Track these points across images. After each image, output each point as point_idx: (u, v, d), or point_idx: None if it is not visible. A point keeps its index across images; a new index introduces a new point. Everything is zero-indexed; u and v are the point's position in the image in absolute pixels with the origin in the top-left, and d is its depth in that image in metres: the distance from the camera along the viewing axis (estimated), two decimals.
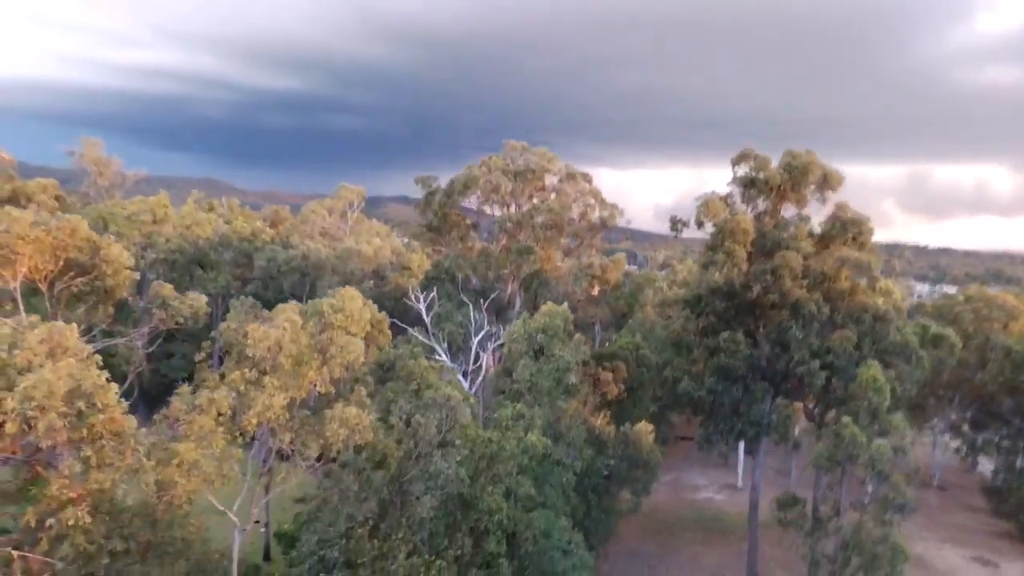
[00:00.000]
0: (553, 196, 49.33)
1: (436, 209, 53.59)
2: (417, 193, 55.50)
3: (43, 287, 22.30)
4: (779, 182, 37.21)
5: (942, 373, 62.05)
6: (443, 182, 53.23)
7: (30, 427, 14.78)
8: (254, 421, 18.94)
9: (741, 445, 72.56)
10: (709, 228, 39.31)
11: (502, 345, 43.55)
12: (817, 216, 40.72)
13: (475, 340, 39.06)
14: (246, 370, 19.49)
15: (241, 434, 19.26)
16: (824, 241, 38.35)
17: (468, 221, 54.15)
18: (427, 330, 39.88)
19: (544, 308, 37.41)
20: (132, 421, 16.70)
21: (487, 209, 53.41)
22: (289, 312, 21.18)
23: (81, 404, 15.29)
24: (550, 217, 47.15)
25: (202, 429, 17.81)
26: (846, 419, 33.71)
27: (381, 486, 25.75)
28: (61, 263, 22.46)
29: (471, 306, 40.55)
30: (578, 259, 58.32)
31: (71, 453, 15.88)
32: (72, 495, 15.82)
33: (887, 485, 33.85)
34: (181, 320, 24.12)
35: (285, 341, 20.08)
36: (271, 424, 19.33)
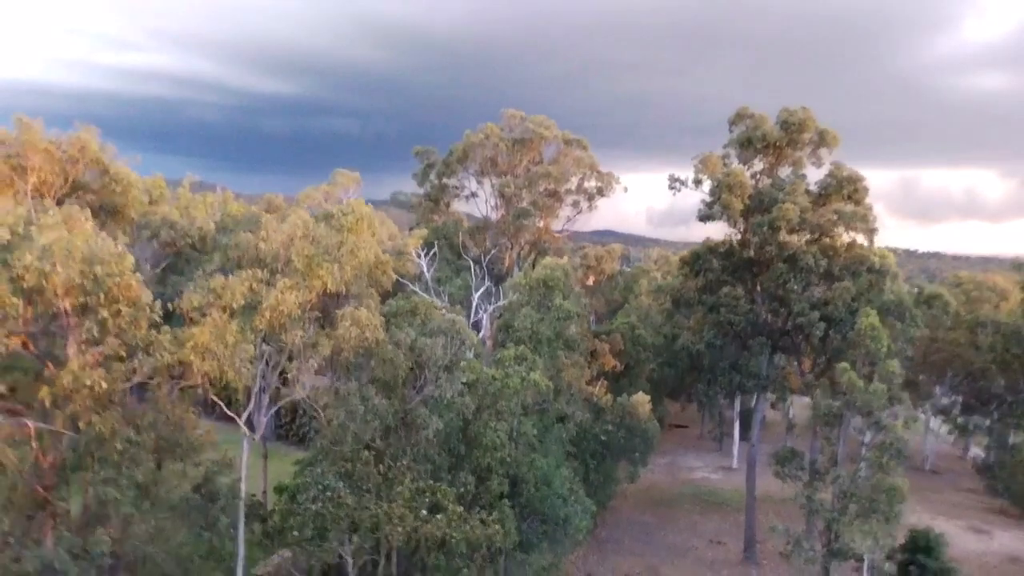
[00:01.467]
0: (551, 167, 49.82)
1: (433, 180, 54.00)
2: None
3: (51, 204, 22.41)
4: (775, 138, 37.79)
5: (935, 345, 62.85)
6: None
7: (47, 281, 14.85)
8: (267, 315, 19.09)
9: (736, 429, 72.94)
10: (706, 187, 39.88)
11: (500, 307, 43.77)
12: (814, 179, 41.40)
13: (476, 295, 39.31)
14: (258, 270, 19.67)
15: (253, 333, 19.38)
16: (821, 199, 38.88)
17: (466, 193, 54.54)
18: (427, 287, 40.09)
19: (544, 261, 37.73)
20: (148, 294, 16.84)
21: (485, 181, 53.77)
22: (301, 213, 21.42)
23: (98, 268, 15.43)
24: (549, 182, 47.58)
25: (215, 323, 17.96)
26: (843, 365, 34.08)
27: (386, 413, 25.85)
28: (70, 181, 22.59)
29: (471, 264, 40.77)
30: (573, 235, 58.65)
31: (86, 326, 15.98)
32: (89, 359, 15.92)
33: (883, 431, 34.15)
34: (189, 240, 24.24)
35: (297, 236, 20.27)
36: (283, 321, 19.48)
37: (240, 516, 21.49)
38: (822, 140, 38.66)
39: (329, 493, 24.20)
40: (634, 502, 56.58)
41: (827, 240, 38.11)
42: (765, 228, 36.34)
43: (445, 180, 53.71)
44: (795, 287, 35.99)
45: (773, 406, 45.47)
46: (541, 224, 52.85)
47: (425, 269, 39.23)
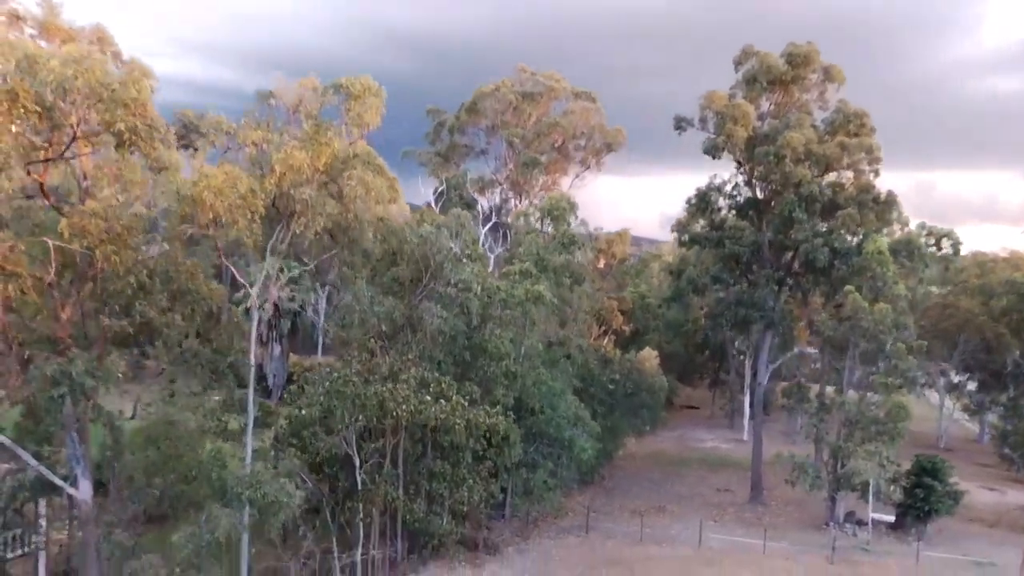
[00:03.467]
0: (561, 119, 50.49)
1: (444, 138, 54.83)
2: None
3: None
4: (781, 72, 38.15)
5: (947, 311, 62.52)
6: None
7: (70, 88, 15.55)
8: (277, 171, 19.74)
9: (746, 406, 72.60)
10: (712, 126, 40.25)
11: (506, 247, 44.23)
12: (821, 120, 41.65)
13: (483, 231, 39.88)
14: (267, 131, 20.38)
15: (264, 193, 19.99)
16: (827, 134, 39.16)
17: (476, 149, 55.24)
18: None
19: (550, 195, 38.24)
20: (163, 120, 17.58)
21: (494, 141, 54.45)
22: (310, 79, 22.17)
23: (116, 84, 16.16)
24: (558, 133, 48.26)
25: (228, 172, 18.62)
26: (849, 287, 34.25)
27: (393, 308, 26.39)
28: None
29: (478, 204, 41.28)
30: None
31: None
32: (105, 171, 16.64)
33: (890, 355, 34.21)
34: (203, 134, 24.95)
35: (307, 97, 21.03)
36: (291, 181, 20.07)
37: (251, 385, 21.99)
38: (827, 76, 39.01)
39: (336, 375, 24.74)
40: (642, 462, 56.59)
41: (833, 175, 38.41)
42: (771, 158, 36.64)
43: (456, 137, 54.47)
44: (800, 216, 36.20)
45: (781, 348, 45.23)
46: (549, 180, 53.37)
47: (433, 203, 39.88)
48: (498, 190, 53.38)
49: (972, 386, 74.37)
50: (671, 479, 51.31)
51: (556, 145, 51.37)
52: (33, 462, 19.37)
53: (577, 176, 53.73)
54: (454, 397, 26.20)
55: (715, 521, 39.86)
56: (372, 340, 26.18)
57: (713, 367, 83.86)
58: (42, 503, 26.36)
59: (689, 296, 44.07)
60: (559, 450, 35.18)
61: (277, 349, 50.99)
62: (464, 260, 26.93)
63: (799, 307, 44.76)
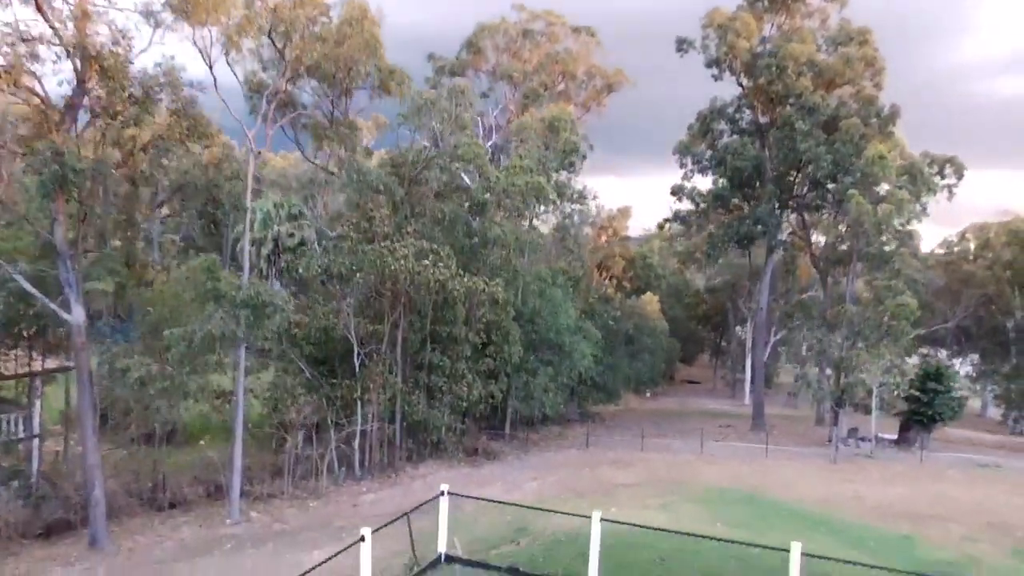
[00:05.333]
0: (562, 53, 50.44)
1: (445, 82, 54.68)
2: None
3: None
4: None
5: (951, 267, 62.36)
6: None
7: None
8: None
9: (748, 375, 71.99)
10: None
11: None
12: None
13: (487, 146, 39.68)
14: None
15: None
16: (830, 54, 39.12)
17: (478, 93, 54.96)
18: None
19: (549, 107, 38.11)
20: None
21: (497, 86, 54.32)
22: None
23: None
24: (558, 68, 48.17)
25: None
26: (851, 191, 34.02)
27: (392, 180, 26.14)
28: None
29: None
30: None
31: None
32: None
33: (893, 261, 33.93)
34: None
35: None
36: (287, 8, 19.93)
37: (247, 217, 21.66)
38: None
39: (334, 234, 24.48)
40: (642, 414, 56.23)
41: (836, 94, 38.34)
42: (772, 70, 36.53)
43: (456, 80, 54.30)
44: (803, 127, 36.03)
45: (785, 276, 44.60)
46: None
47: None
48: (499, 133, 53.18)
49: (974, 359, 74.03)
50: (672, 421, 50.87)
51: (557, 86, 51.24)
52: (27, 285, 19.07)
53: (579, 118, 53.50)
54: (453, 265, 25.89)
55: (716, 441, 39.46)
56: (370, 207, 25.93)
57: (715, 338, 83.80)
58: (38, 385, 26.09)
59: (691, 219, 43.69)
60: (559, 356, 34.78)
61: (277, 285, 50.39)
62: (464, 129, 26.70)
63: (802, 241, 44.47)
